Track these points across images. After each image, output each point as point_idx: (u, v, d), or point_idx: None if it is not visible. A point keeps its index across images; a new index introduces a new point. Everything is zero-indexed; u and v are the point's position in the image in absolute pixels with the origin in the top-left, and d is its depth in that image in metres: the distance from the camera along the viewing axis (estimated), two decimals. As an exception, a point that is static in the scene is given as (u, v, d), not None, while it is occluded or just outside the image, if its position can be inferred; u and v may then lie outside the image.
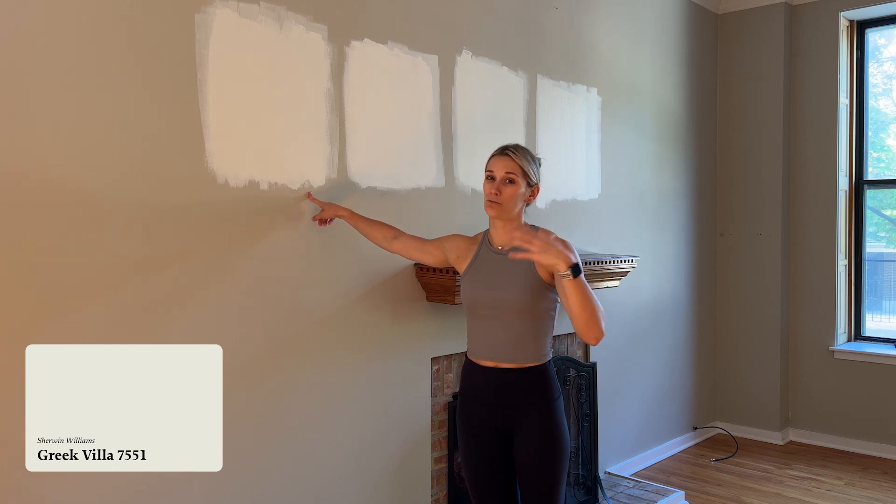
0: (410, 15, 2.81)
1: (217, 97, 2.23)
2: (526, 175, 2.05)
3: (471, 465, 2.15)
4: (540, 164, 2.15)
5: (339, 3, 2.56)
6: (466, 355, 2.17)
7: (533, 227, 2.13)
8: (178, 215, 2.16)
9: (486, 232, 2.19)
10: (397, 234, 2.41)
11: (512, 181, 2.03)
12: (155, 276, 2.11)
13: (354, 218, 2.46)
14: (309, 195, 2.46)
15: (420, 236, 2.42)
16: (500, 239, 2.11)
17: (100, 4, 1.99)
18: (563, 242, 1.94)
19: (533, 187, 2.09)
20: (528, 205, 2.13)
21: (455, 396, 3.01)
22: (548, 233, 2.07)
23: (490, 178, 2.06)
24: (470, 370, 2.15)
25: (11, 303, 1.86)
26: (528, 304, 2.02)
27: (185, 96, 2.16)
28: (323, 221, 2.50)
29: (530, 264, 2.01)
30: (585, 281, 1.83)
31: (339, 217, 2.49)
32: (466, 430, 2.16)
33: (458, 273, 2.49)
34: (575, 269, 1.79)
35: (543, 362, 2.08)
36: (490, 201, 2.05)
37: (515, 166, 2.04)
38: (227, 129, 2.26)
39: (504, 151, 2.07)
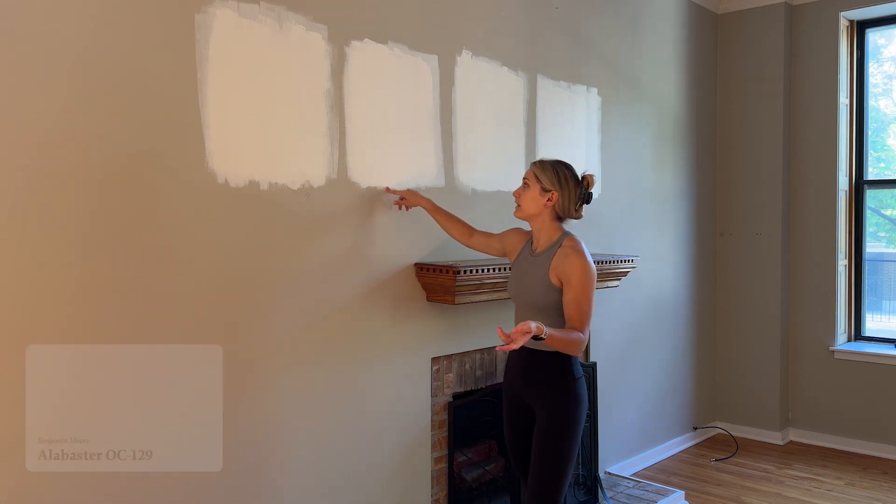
0: (410, 15, 2.81)
1: (217, 97, 2.23)
2: (538, 180, 2.33)
3: (507, 430, 2.51)
4: (572, 177, 2.34)
5: (339, 3, 2.56)
6: None
7: (564, 234, 2.36)
8: (178, 215, 2.16)
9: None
10: (472, 231, 2.70)
11: (526, 185, 2.36)
12: (155, 276, 2.11)
13: (436, 211, 2.72)
14: (387, 189, 2.70)
15: (488, 231, 2.69)
16: (536, 241, 2.41)
17: (100, 4, 1.99)
18: (576, 251, 2.26)
19: (549, 192, 2.32)
20: (560, 215, 2.35)
21: (455, 396, 3.02)
22: (571, 239, 2.33)
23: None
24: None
25: (11, 303, 1.86)
26: (542, 302, 2.30)
27: (185, 96, 2.16)
28: (400, 204, 2.73)
29: (546, 270, 2.29)
30: (553, 334, 2.09)
31: (422, 207, 2.72)
32: (504, 400, 2.50)
33: (457, 273, 2.71)
34: (537, 338, 2.05)
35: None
36: (516, 204, 2.40)
37: (529, 173, 2.37)
38: (227, 129, 2.26)
39: (531, 164, 2.41)
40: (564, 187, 2.32)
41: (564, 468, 2.29)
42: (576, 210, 2.36)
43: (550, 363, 2.31)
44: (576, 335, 2.17)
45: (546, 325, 2.14)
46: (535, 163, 2.39)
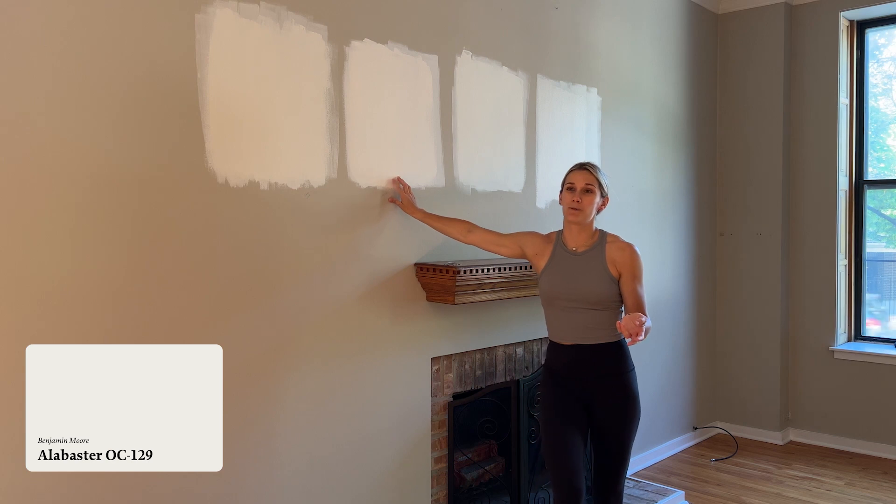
0: (410, 15, 2.81)
1: (217, 97, 2.23)
2: (601, 186, 2.44)
3: (552, 428, 2.42)
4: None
5: (339, 3, 2.56)
6: (550, 339, 2.50)
7: (602, 231, 2.48)
8: (177, 215, 2.16)
9: (559, 233, 2.51)
10: (471, 227, 2.69)
11: (590, 191, 2.41)
12: (155, 276, 2.11)
13: (428, 218, 2.72)
14: (396, 179, 2.71)
15: (494, 230, 2.69)
16: (573, 241, 2.46)
17: (100, 4, 1.99)
18: (630, 244, 2.42)
19: (604, 197, 2.46)
20: (598, 212, 2.47)
21: (455, 396, 3.02)
22: (616, 238, 2.45)
23: (570, 189, 2.42)
24: (555, 349, 2.48)
25: (11, 303, 1.86)
26: (603, 296, 2.38)
27: (185, 96, 2.16)
28: (394, 200, 2.73)
29: (604, 265, 2.39)
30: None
31: (415, 218, 2.72)
32: (551, 398, 2.45)
33: (458, 273, 2.67)
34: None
35: (618, 339, 2.42)
36: (572, 209, 2.41)
37: (593, 178, 2.42)
38: (227, 129, 2.26)
39: (583, 167, 2.45)
40: (608, 188, 2.49)
41: (632, 446, 2.46)
42: None
43: (614, 355, 2.41)
44: (650, 322, 2.24)
45: (604, 318, 2.35)
46: (589, 168, 2.44)
